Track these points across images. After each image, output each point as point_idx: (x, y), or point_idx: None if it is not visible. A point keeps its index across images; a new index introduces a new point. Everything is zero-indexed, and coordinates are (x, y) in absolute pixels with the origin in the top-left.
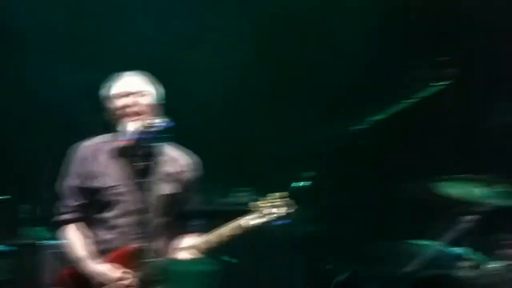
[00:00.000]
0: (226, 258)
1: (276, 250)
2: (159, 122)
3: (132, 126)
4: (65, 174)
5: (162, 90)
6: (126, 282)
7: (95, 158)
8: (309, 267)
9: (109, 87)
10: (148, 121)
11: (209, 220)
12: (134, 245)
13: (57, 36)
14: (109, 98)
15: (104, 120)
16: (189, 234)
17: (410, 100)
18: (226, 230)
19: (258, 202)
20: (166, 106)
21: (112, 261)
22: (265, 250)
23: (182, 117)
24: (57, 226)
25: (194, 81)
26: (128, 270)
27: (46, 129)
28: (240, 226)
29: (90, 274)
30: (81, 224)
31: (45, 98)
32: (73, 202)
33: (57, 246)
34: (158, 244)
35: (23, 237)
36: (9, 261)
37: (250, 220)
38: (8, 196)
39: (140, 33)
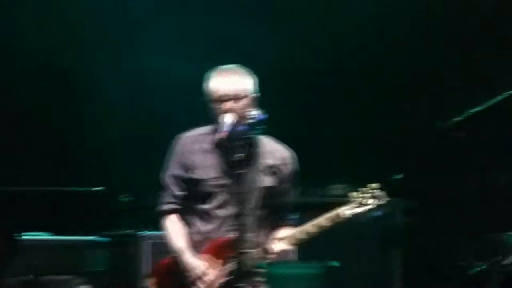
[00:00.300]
0: (330, 262)
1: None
2: (256, 114)
3: (230, 118)
4: (167, 165)
5: (256, 80)
6: (221, 275)
7: (196, 150)
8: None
9: (208, 83)
10: (246, 113)
11: (305, 212)
12: (232, 236)
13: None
14: (207, 93)
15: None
16: (286, 226)
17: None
18: (322, 220)
19: (354, 193)
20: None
21: (209, 252)
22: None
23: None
24: (158, 216)
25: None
26: (225, 263)
27: (147, 120)
28: (336, 216)
29: (187, 265)
30: (181, 214)
31: (146, 88)
32: (174, 193)
33: (156, 237)
34: (256, 235)
35: (121, 227)
36: (108, 251)
37: (346, 211)
38: (103, 188)
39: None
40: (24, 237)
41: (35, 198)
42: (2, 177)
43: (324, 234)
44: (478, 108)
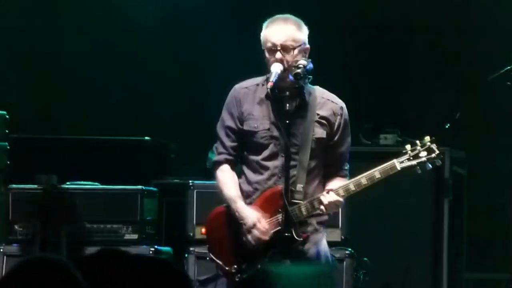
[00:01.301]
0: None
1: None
2: (304, 63)
3: (277, 68)
4: (221, 115)
5: (308, 31)
6: (272, 225)
7: (248, 101)
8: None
9: (261, 32)
10: (294, 63)
11: (357, 162)
12: (282, 186)
13: None
14: (261, 42)
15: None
16: (339, 178)
17: None
18: (375, 172)
19: (408, 145)
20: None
21: (260, 202)
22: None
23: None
24: (210, 166)
25: None
26: (275, 213)
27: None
28: (390, 169)
29: (240, 214)
30: (234, 164)
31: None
32: (225, 144)
33: (206, 186)
34: (307, 186)
35: (172, 176)
36: (158, 200)
37: (399, 163)
38: (148, 138)
39: None
40: (72, 186)
41: (83, 147)
42: (52, 126)
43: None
44: None
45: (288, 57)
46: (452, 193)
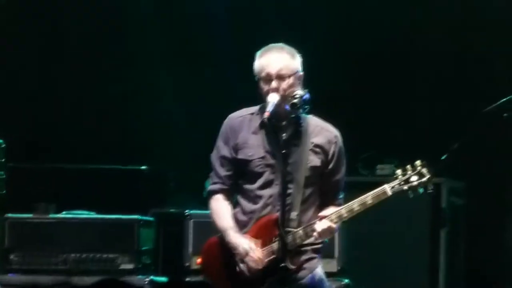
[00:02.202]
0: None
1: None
2: (300, 93)
3: (274, 97)
4: (215, 145)
5: (300, 60)
6: (266, 253)
7: (243, 130)
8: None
9: (255, 62)
10: (291, 93)
11: (353, 192)
12: (277, 215)
13: None
14: (255, 72)
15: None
16: (333, 206)
17: None
18: (368, 198)
19: (399, 170)
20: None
21: (255, 231)
22: None
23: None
24: (205, 195)
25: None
26: (269, 241)
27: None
28: (381, 194)
29: (234, 244)
30: (229, 194)
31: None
32: (220, 173)
33: (202, 215)
34: (301, 215)
35: (169, 206)
36: (155, 230)
37: (391, 188)
38: (146, 167)
39: None
40: (68, 216)
41: (81, 176)
42: (51, 153)
43: (372, 212)
44: None
45: (284, 85)
46: (449, 224)
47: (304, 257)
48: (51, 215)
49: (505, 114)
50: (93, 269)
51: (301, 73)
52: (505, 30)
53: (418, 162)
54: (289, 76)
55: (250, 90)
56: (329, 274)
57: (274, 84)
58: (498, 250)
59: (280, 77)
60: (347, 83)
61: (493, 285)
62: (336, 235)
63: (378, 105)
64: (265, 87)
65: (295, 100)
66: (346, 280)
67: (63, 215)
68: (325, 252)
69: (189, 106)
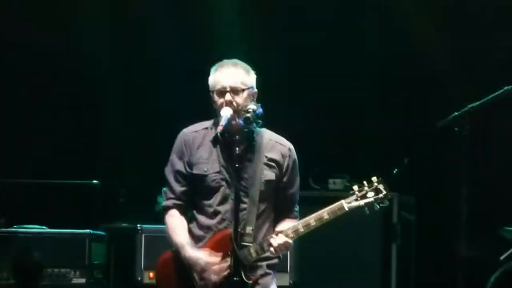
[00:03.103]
0: None
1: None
2: (253, 108)
3: (227, 112)
4: (169, 160)
5: (255, 77)
6: (222, 267)
7: (197, 145)
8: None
9: (209, 76)
10: (244, 107)
11: (306, 206)
12: (232, 230)
13: None
14: (209, 87)
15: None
16: (289, 219)
17: None
18: (324, 213)
19: (355, 186)
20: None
21: (210, 246)
22: None
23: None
24: (161, 210)
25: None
26: (225, 256)
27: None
28: (338, 209)
29: (189, 259)
30: (184, 209)
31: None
32: (175, 188)
33: (154, 230)
34: (257, 229)
35: (121, 221)
36: (106, 245)
37: (347, 204)
38: (97, 182)
39: None
40: (19, 230)
41: (31, 190)
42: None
43: (324, 227)
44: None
45: (238, 99)
46: (400, 238)
47: (259, 272)
48: (1, 229)
49: (456, 129)
50: (45, 284)
51: (255, 90)
52: (454, 41)
53: (374, 178)
54: (243, 90)
55: (202, 106)
56: None
57: (228, 97)
58: (449, 264)
59: (234, 91)
60: (297, 98)
61: None
62: (290, 248)
63: (327, 119)
64: (219, 101)
65: (248, 115)
66: None
67: (14, 229)
68: (278, 266)
69: (142, 121)
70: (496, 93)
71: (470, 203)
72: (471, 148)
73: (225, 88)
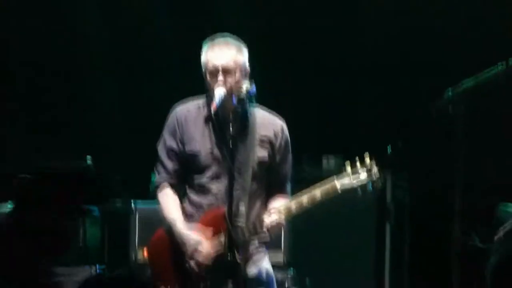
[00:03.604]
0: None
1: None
2: (247, 87)
3: (221, 91)
4: (162, 137)
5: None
6: (214, 245)
7: (189, 122)
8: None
9: (201, 55)
10: (237, 86)
11: (299, 185)
12: (224, 208)
13: None
14: (202, 64)
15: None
16: (280, 198)
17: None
18: (316, 193)
19: (348, 166)
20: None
21: (202, 224)
22: None
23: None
24: (154, 188)
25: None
26: (217, 234)
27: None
28: (330, 189)
29: (181, 237)
30: (176, 186)
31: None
32: (167, 166)
33: (148, 208)
34: (249, 208)
35: (114, 200)
36: (101, 223)
37: (340, 183)
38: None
39: None
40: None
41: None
42: None
43: (317, 206)
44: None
45: (230, 79)
46: (394, 217)
47: (251, 249)
48: None
49: (450, 108)
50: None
51: (248, 67)
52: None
53: (367, 159)
54: (236, 70)
55: (195, 85)
56: (275, 266)
57: (220, 77)
58: (443, 244)
59: (227, 71)
60: (290, 77)
61: (438, 277)
62: (283, 228)
63: (321, 100)
64: (211, 80)
65: (241, 94)
66: (292, 272)
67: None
68: (271, 244)
69: (136, 99)
70: (491, 71)
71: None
72: (466, 128)
73: (217, 67)
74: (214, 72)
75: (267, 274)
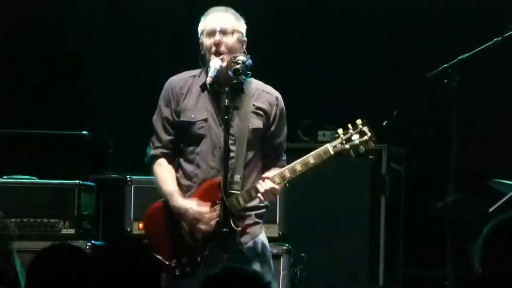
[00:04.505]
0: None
1: None
2: (243, 59)
3: (217, 63)
4: (157, 108)
5: (245, 26)
6: (212, 215)
7: (185, 93)
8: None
9: (201, 22)
10: (233, 58)
11: (295, 157)
12: (219, 178)
13: None
14: (199, 33)
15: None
16: (276, 168)
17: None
18: (310, 158)
19: (340, 129)
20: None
21: (198, 194)
22: None
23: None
24: (149, 159)
25: None
26: (214, 205)
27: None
28: (323, 153)
29: (178, 208)
30: (171, 158)
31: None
32: (162, 137)
33: (143, 181)
34: (244, 177)
35: (110, 171)
36: (95, 195)
37: (333, 147)
38: (86, 132)
39: None
40: (8, 180)
41: (20, 141)
42: None
43: (313, 179)
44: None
45: (227, 40)
46: (389, 190)
47: (248, 221)
48: None
49: (445, 80)
50: (34, 234)
51: (245, 38)
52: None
53: (359, 121)
54: (233, 33)
55: (192, 58)
56: (270, 239)
57: (217, 37)
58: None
59: (224, 32)
60: (285, 50)
61: (433, 250)
62: (278, 201)
63: (318, 72)
64: (208, 41)
65: (237, 66)
66: (287, 245)
67: (4, 179)
68: (266, 217)
69: (131, 72)
70: (486, 44)
71: (459, 155)
72: (460, 100)
73: (214, 28)
74: (211, 33)
75: (263, 246)
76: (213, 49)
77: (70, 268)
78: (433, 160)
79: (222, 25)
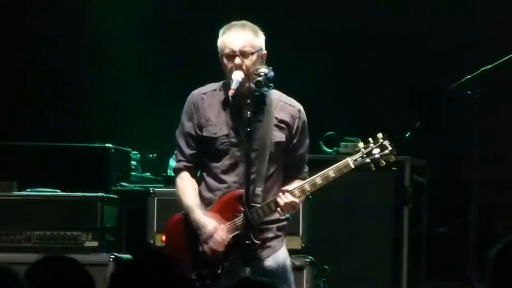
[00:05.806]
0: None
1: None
2: (264, 71)
3: (238, 75)
4: (179, 122)
5: (264, 37)
6: (231, 229)
7: (207, 107)
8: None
9: (218, 40)
10: (254, 71)
11: (317, 169)
12: (240, 191)
13: None
14: (218, 51)
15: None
16: (298, 180)
17: None
18: (330, 171)
19: (361, 143)
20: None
21: (219, 207)
22: None
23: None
24: (173, 173)
25: None
26: (233, 218)
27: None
28: (344, 167)
29: (198, 223)
30: (194, 172)
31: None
32: (185, 151)
33: (166, 193)
34: (266, 190)
35: (133, 184)
36: (118, 207)
37: (353, 161)
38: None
39: None
40: (32, 193)
41: (44, 153)
42: (11, 131)
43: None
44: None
45: (247, 62)
46: (412, 201)
47: (269, 234)
48: (15, 193)
49: (468, 92)
50: (57, 247)
51: (264, 51)
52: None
53: (380, 135)
54: (252, 53)
55: (215, 69)
56: (293, 251)
57: (237, 60)
58: (460, 227)
59: (243, 54)
60: (307, 62)
61: (456, 262)
62: (301, 213)
63: (341, 84)
64: (228, 64)
65: (259, 78)
66: (310, 258)
67: (27, 192)
68: (289, 229)
69: (153, 86)
70: (509, 56)
71: (481, 166)
72: (483, 111)
73: (234, 51)
74: (231, 56)
75: (284, 261)
76: (234, 67)
77: (64, 279)
78: (455, 171)
79: (242, 48)
